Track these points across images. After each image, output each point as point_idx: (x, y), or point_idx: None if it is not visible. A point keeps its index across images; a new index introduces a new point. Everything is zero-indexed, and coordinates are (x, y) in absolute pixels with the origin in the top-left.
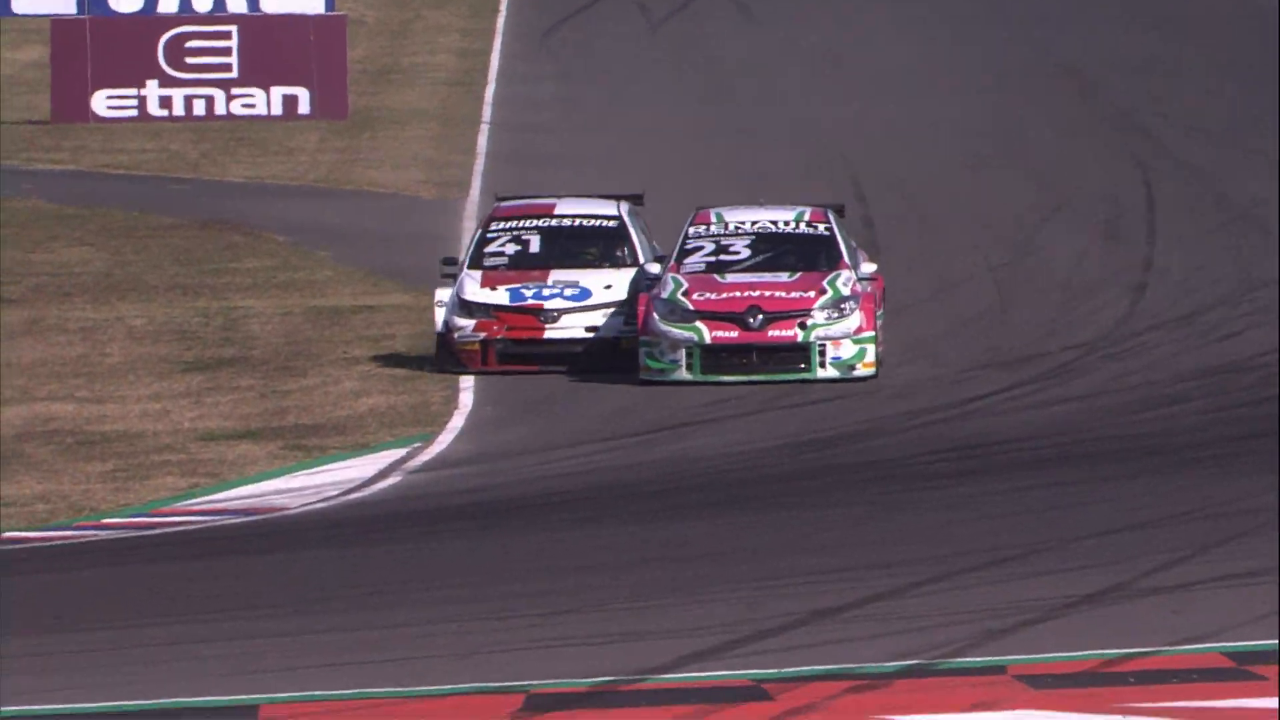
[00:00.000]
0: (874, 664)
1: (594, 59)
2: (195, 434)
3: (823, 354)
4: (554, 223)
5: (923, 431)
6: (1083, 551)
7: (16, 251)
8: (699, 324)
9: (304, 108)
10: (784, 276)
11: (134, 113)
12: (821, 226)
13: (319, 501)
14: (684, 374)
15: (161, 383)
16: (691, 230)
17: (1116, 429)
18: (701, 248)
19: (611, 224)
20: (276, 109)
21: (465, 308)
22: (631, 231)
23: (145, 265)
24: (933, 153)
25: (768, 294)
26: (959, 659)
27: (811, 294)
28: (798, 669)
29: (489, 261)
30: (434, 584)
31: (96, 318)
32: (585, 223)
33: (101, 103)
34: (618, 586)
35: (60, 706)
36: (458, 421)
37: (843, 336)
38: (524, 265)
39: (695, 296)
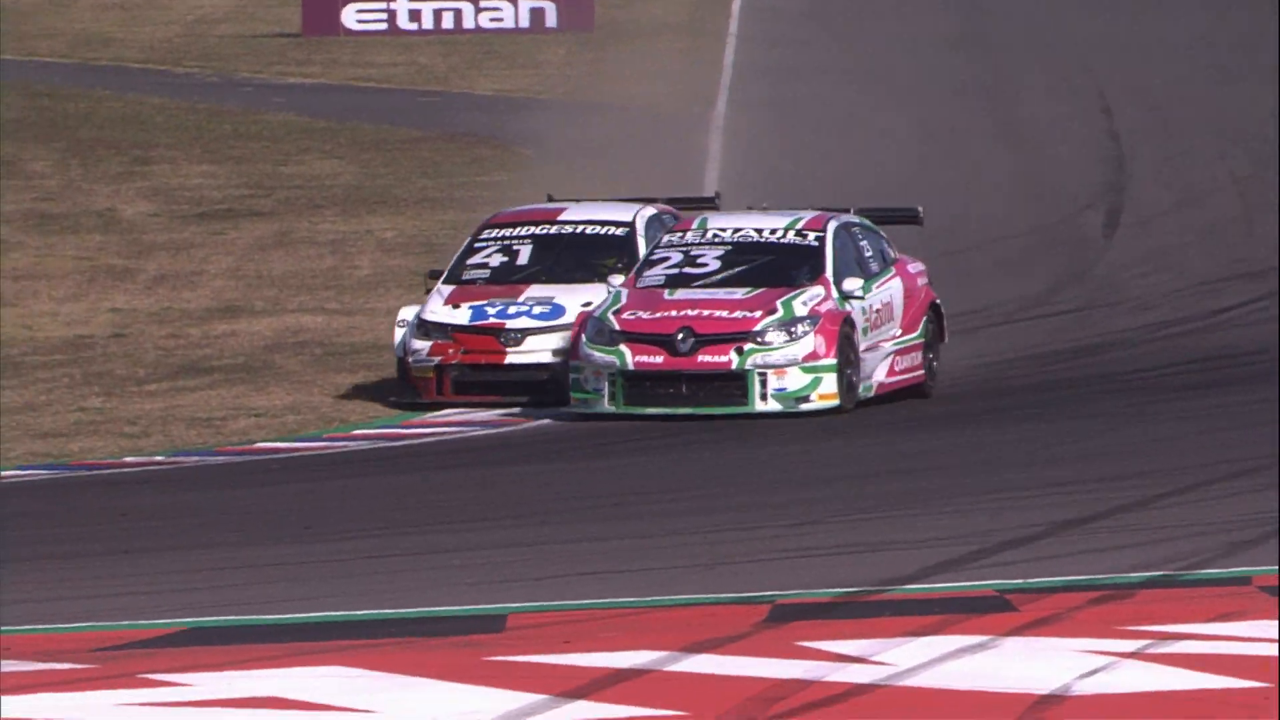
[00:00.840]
0: (1118, 575)
1: None
2: None
3: (764, 384)
4: (553, 230)
5: (1167, 343)
6: None
7: (267, 164)
8: (622, 347)
9: (551, 20)
10: (739, 293)
11: (383, 26)
12: (812, 236)
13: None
14: (606, 405)
15: (410, 295)
16: (665, 238)
17: None
18: (667, 258)
19: (619, 232)
20: (524, 22)
21: (422, 328)
22: (640, 242)
23: (394, 178)
24: (1179, 65)
25: (706, 313)
26: (1203, 570)
27: (758, 313)
28: (1041, 580)
29: (469, 275)
30: (681, 494)
31: (346, 230)
32: (589, 230)
33: (352, 16)
34: (863, 497)
35: (311, 615)
36: None
37: (788, 364)
38: (506, 279)
39: (625, 315)
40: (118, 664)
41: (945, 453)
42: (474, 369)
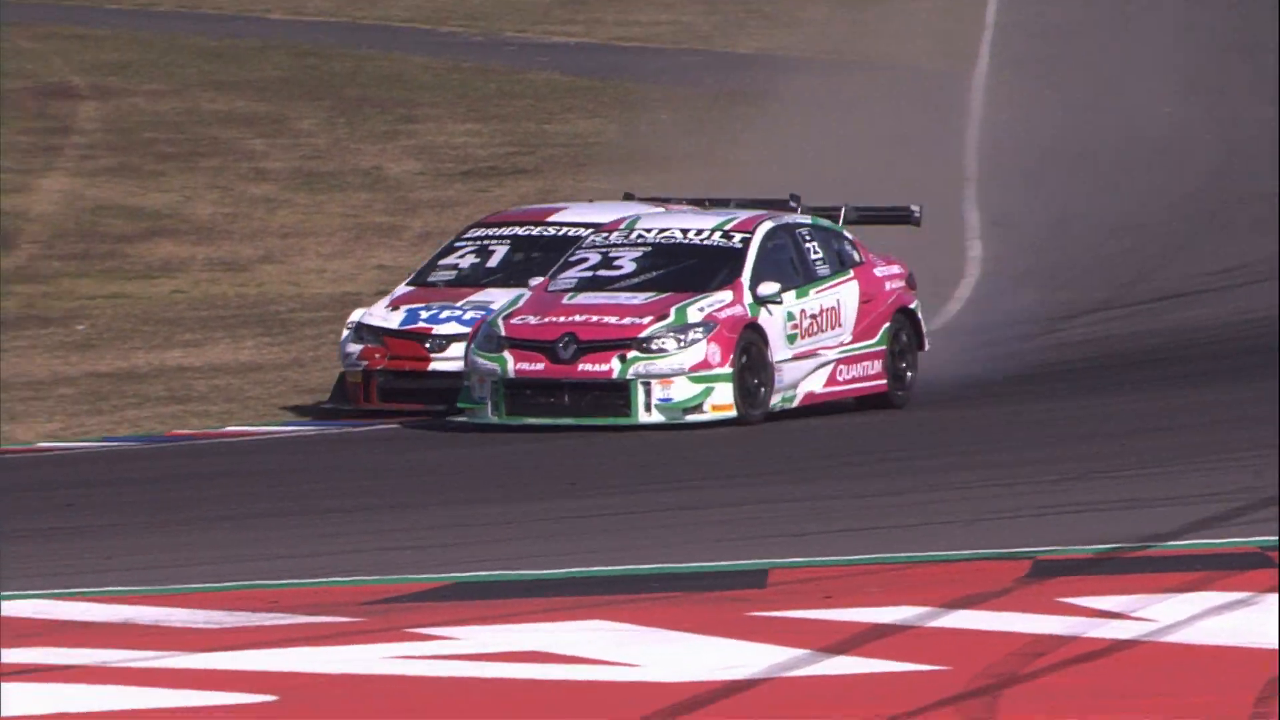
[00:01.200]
0: None
1: None
2: None
3: (648, 393)
4: (536, 231)
5: None
6: None
7: (532, 123)
8: (505, 354)
9: None
10: (639, 298)
11: None
12: (738, 238)
13: None
14: (490, 415)
15: None
16: (589, 239)
17: None
18: (586, 260)
19: None
20: None
21: (358, 331)
22: None
23: (658, 137)
24: None
25: (595, 319)
26: None
27: (647, 319)
28: None
29: (435, 276)
30: (939, 452)
31: (609, 188)
32: (572, 232)
33: None
34: (1124, 454)
35: (575, 570)
36: (964, 291)
37: (674, 373)
38: (467, 282)
39: (513, 321)
40: (385, 618)
41: (1207, 408)
42: (397, 375)
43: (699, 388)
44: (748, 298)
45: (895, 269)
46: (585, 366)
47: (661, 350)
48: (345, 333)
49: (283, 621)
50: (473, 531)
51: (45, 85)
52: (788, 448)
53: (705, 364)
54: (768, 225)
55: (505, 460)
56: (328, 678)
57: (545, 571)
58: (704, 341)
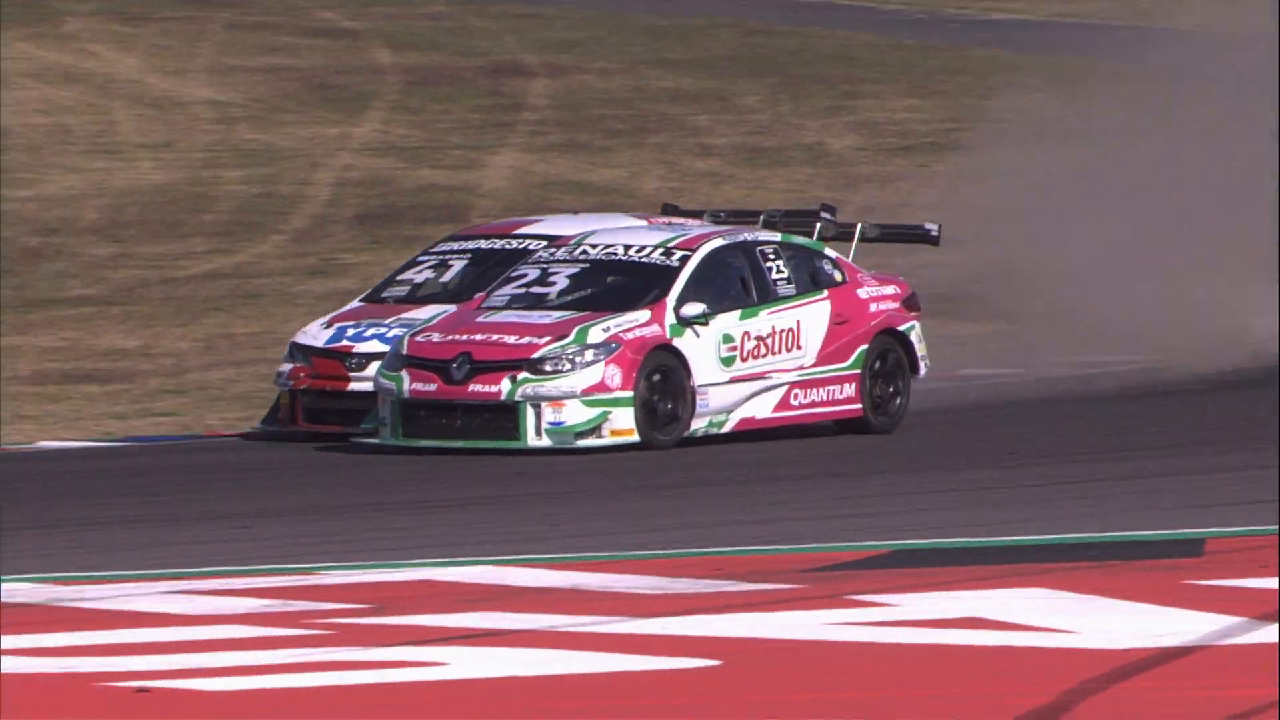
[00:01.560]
0: None
1: None
2: None
3: (539, 416)
4: (500, 244)
5: None
6: None
7: (972, 99)
8: (403, 373)
9: None
10: (551, 316)
11: None
12: (678, 256)
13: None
14: (389, 436)
15: None
16: (537, 254)
17: None
18: (524, 276)
19: None
20: None
21: (290, 350)
22: None
23: (1097, 111)
24: None
25: (494, 338)
26: None
27: (544, 340)
28: None
29: (389, 293)
30: None
31: (1045, 166)
32: (533, 246)
33: None
34: None
35: (1014, 538)
36: None
37: (567, 396)
38: (427, 298)
39: (418, 339)
40: (827, 585)
41: None
42: (320, 395)
43: (594, 411)
44: (670, 318)
45: (888, 289)
46: (476, 387)
47: (555, 371)
48: (285, 350)
49: (726, 588)
50: (912, 500)
51: (498, 63)
52: (1228, 417)
53: (602, 386)
54: (715, 243)
55: (942, 431)
56: (769, 643)
57: (984, 539)
58: (601, 364)
